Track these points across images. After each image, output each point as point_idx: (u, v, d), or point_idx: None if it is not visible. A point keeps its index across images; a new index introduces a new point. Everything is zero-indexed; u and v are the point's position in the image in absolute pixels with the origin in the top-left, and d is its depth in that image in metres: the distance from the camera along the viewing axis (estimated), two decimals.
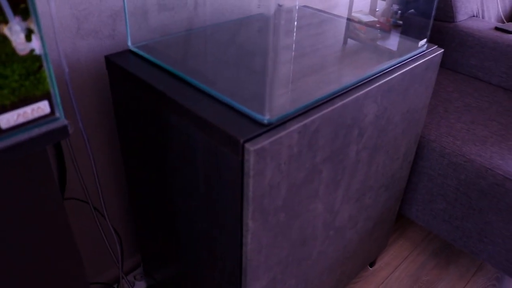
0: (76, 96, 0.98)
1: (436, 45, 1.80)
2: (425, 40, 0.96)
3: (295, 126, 0.67)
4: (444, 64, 1.81)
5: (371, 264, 1.43)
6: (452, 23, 1.76)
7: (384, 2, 1.11)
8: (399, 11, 1.07)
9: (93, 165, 0.76)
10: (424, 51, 0.97)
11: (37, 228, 0.55)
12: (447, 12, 1.77)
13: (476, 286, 1.39)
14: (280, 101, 0.70)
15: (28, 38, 0.45)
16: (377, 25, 1.12)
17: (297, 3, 1.21)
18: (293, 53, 0.90)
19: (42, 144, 0.49)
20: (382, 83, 0.83)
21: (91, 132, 1.04)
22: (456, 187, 1.29)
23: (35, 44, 0.46)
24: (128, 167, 1.02)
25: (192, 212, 0.84)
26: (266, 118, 0.66)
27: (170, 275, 1.10)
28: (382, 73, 0.85)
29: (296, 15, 1.13)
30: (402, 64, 0.90)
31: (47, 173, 0.53)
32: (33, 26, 0.45)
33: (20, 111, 0.46)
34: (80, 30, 0.94)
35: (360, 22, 1.12)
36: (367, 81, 0.82)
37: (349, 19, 1.12)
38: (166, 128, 0.78)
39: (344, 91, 0.78)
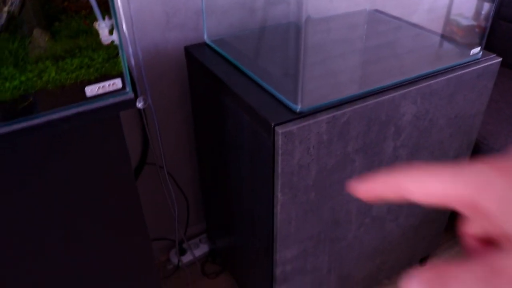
0: (162, 78, 1.18)
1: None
2: (478, 48, 0.99)
3: (324, 116, 0.78)
4: None
5: (422, 264, 1.47)
6: None
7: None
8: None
9: (158, 135, 0.94)
10: (478, 59, 1.00)
11: (106, 184, 0.73)
12: None
13: None
14: (314, 94, 0.81)
15: (110, 32, 0.62)
16: (476, 30, 1.14)
17: (367, 7, 1.28)
18: (341, 53, 0.99)
19: (115, 110, 0.66)
20: (421, 86, 0.89)
21: (174, 108, 1.23)
22: None
23: (115, 37, 0.63)
24: (198, 143, 1.20)
25: (241, 185, 0.98)
26: (298, 107, 0.77)
27: (226, 241, 1.26)
28: (424, 77, 0.91)
29: (361, 19, 1.21)
30: (448, 70, 0.94)
31: (119, 135, 0.70)
32: (114, 24, 0.62)
33: (100, 84, 0.63)
34: (169, 24, 1.12)
35: (458, 25, 1.14)
36: (406, 83, 0.89)
37: (414, 24, 1.17)
38: (223, 111, 0.93)
39: (380, 90, 0.86)
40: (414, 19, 1.22)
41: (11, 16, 0.60)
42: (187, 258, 1.43)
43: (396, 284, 1.41)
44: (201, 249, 1.46)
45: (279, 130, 0.74)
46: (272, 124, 0.75)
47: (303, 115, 0.77)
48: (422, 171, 0.22)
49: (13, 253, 0.69)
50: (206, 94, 1.01)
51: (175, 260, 1.43)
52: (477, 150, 1.31)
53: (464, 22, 1.14)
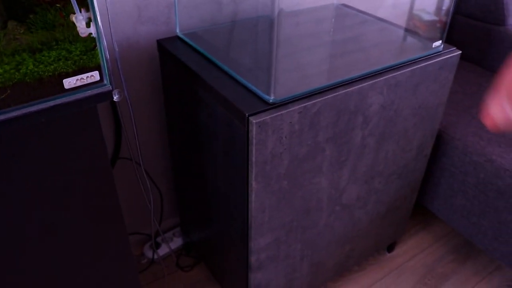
0: (134, 71, 1.18)
1: (482, 47, 1.82)
2: (440, 41, 1.05)
3: (296, 107, 0.81)
4: (492, 68, 1.83)
5: (389, 250, 1.53)
6: (502, 27, 1.77)
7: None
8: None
9: (135, 128, 0.94)
10: (440, 51, 1.06)
11: (84, 177, 0.74)
12: (498, 15, 1.78)
13: (491, 284, 1.45)
14: (286, 85, 0.84)
15: (88, 25, 0.63)
16: (438, 24, 1.19)
17: (334, 2, 1.32)
18: (307, 46, 1.03)
19: (93, 102, 0.67)
20: (388, 78, 0.94)
21: (145, 101, 1.24)
22: (475, 185, 1.35)
23: (92, 30, 0.63)
24: (170, 135, 1.21)
25: (216, 176, 1.00)
26: (271, 98, 0.80)
27: (201, 233, 1.28)
28: (390, 68, 0.96)
29: (330, 13, 1.25)
30: (412, 62, 0.99)
31: (96, 127, 0.71)
32: (91, 16, 0.63)
33: (78, 77, 0.64)
34: (141, 17, 1.13)
35: (420, 20, 1.19)
36: (374, 75, 0.93)
37: (380, 19, 1.22)
38: (197, 102, 0.95)
39: (349, 81, 0.90)
40: (380, 13, 1.27)
41: None
42: (161, 251, 1.45)
43: (366, 270, 1.47)
44: (175, 243, 1.47)
45: (253, 120, 0.76)
46: (247, 115, 0.77)
47: (275, 106, 0.80)
48: None
49: None
50: (179, 87, 1.02)
51: (149, 254, 1.44)
52: (439, 139, 1.38)
53: (426, 17, 1.20)
